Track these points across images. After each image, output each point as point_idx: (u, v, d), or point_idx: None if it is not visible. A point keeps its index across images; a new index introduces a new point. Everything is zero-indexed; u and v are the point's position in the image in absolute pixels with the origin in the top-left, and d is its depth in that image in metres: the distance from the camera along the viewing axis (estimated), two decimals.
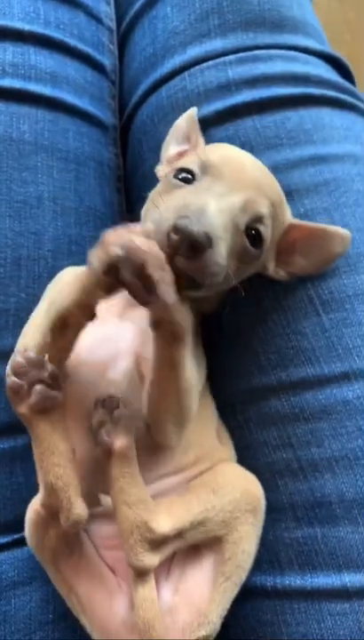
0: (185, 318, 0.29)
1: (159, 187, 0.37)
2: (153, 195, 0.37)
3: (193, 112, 0.42)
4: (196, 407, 0.35)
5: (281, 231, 0.37)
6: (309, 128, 0.43)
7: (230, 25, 0.46)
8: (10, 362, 0.31)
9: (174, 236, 0.28)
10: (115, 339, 0.35)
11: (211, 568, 0.34)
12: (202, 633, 0.33)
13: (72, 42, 0.48)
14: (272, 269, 0.38)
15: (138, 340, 0.35)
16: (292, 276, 0.38)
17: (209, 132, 0.43)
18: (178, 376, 0.32)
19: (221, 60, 0.45)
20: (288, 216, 0.37)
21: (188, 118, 0.41)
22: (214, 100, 0.44)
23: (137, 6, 0.51)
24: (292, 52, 0.45)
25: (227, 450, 0.40)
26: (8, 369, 0.31)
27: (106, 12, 0.53)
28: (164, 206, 0.31)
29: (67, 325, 0.31)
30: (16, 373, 0.31)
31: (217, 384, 0.41)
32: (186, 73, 0.46)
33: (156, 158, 0.45)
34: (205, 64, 0.45)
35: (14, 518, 0.38)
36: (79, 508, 0.31)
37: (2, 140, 0.42)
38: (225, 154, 0.34)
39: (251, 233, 0.33)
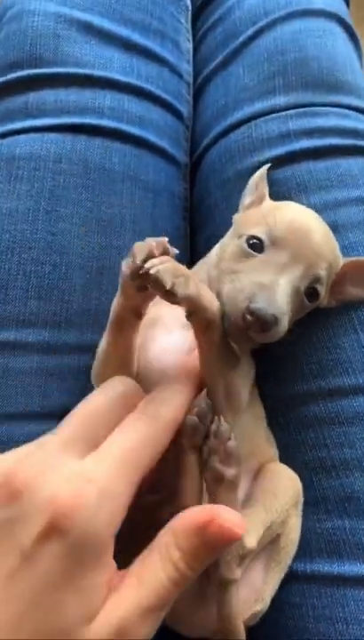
0: (212, 305, 0.33)
1: (234, 247, 0.39)
2: (226, 253, 0.39)
3: (264, 168, 0.46)
4: (246, 395, 0.38)
5: (334, 275, 0.40)
6: (356, 174, 0.47)
7: (292, 85, 0.51)
8: (196, 403, 0.33)
9: (249, 317, 0.33)
10: (180, 346, 0.38)
11: (266, 556, 0.37)
12: (258, 608, 0.36)
13: (157, 92, 0.54)
14: (325, 303, 0.41)
15: None
16: (341, 303, 0.42)
17: (270, 174, 0.47)
18: (218, 355, 0.35)
19: (283, 113, 0.50)
20: (341, 261, 0.40)
21: (260, 174, 0.46)
22: (275, 147, 0.48)
23: (212, 65, 0.57)
24: (345, 110, 0.50)
25: (274, 448, 0.43)
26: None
27: (187, 69, 0.59)
28: (239, 284, 0.35)
29: (123, 326, 0.35)
30: (199, 417, 0.33)
31: (264, 389, 0.44)
32: (253, 123, 0.51)
33: (221, 193, 0.50)
34: (269, 116, 0.50)
35: None
36: None
37: (97, 169, 0.48)
38: (292, 223, 0.37)
39: (309, 291, 0.37)
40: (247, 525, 0.34)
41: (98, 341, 0.45)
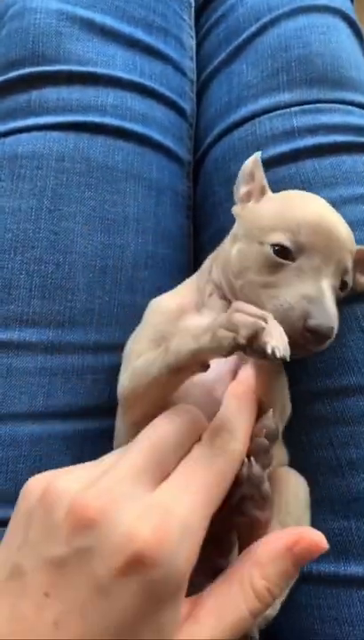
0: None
1: (258, 255, 0.37)
2: (249, 262, 0.37)
3: (257, 155, 0.45)
4: (290, 405, 0.39)
5: None
6: (361, 171, 0.46)
7: (297, 82, 0.50)
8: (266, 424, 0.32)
9: (308, 335, 0.33)
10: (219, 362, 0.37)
11: None
12: (269, 612, 0.35)
13: (161, 90, 0.53)
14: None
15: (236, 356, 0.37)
16: (352, 293, 0.41)
17: (274, 170, 0.47)
18: (276, 375, 0.36)
19: (287, 110, 0.49)
20: (355, 248, 0.40)
21: (253, 160, 0.44)
22: (280, 144, 0.48)
23: (216, 63, 0.57)
24: (349, 107, 0.50)
25: (285, 450, 0.42)
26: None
27: (190, 66, 0.58)
28: (284, 299, 0.34)
29: (185, 370, 0.32)
30: (269, 438, 0.31)
31: None
32: (257, 120, 0.50)
33: (225, 191, 0.49)
34: (273, 113, 0.50)
35: None
36: None
37: (100, 167, 0.48)
38: (315, 224, 0.36)
39: (341, 285, 0.37)
40: None
41: (101, 341, 0.45)
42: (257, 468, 0.30)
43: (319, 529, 0.39)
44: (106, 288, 0.46)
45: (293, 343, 0.32)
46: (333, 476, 0.41)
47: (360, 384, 0.42)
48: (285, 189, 0.45)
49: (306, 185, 0.46)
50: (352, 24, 0.57)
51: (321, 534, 0.26)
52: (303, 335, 0.33)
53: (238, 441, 0.29)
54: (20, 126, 0.48)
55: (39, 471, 0.28)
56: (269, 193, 0.43)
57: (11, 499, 0.29)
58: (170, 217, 0.52)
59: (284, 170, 0.47)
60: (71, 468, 0.28)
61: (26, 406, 0.42)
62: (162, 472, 0.26)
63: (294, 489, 0.39)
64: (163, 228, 0.51)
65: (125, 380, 0.37)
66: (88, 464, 0.28)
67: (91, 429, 0.44)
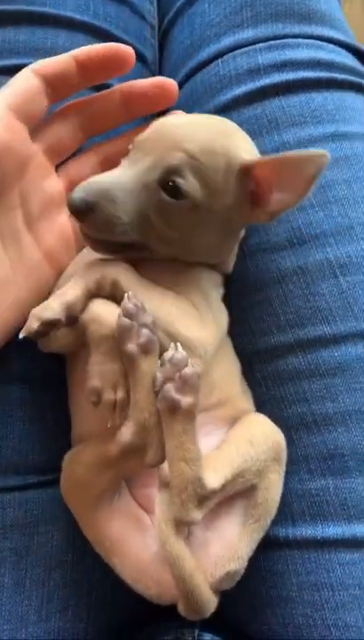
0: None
1: None
2: None
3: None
4: (197, 334, 0.35)
5: (234, 176, 0.35)
6: (331, 108, 0.44)
7: (261, 17, 0.47)
8: (121, 306, 0.32)
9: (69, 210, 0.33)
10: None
11: (242, 511, 0.35)
12: (233, 567, 0.33)
13: (117, 33, 0.49)
14: (247, 216, 0.37)
15: None
16: (275, 216, 0.36)
17: (239, 111, 0.45)
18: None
19: (252, 47, 0.46)
20: (239, 159, 0.35)
21: None
22: (245, 83, 0.45)
23: (177, 5, 0.53)
24: (318, 42, 0.47)
25: (250, 402, 0.40)
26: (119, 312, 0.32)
27: (149, 10, 0.55)
28: None
29: None
30: (127, 315, 0.32)
31: (238, 342, 0.41)
32: (220, 60, 0.47)
33: None
34: (237, 51, 0.46)
35: (44, 460, 0.40)
36: None
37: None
38: (154, 125, 0.36)
39: (169, 186, 0.33)
40: (211, 464, 0.33)
41: None
42: (181, 353, 0.32)
43: (294, 490, 0.39)
44: None
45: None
46: (308, 432, 0.39)
47: (334, 334, 0.40)
48: (251, 129, 0.44)
49: (273, 124, 0.44)
50: None
51: None
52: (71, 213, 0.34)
53: None
54: None
55: None
56: None
57: None
58: None
59: (250, 110, 0.45)
60: None
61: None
62: None
63: (263, 428, 0.37)
64: None
65: None
66: None
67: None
